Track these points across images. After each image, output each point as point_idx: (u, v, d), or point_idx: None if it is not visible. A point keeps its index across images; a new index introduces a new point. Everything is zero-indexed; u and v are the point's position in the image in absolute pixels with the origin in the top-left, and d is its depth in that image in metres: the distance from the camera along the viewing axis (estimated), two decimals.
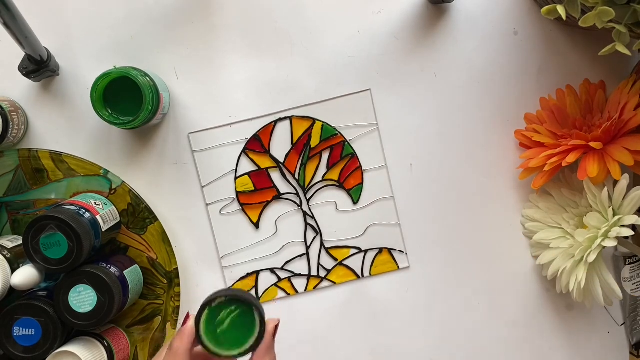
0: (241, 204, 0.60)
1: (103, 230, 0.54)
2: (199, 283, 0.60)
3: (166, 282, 0.59)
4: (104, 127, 0.59)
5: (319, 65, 0.59)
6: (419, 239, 0.60)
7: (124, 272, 0.55)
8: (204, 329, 0.42)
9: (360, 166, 0.60)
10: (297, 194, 0.60)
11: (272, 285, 0.60)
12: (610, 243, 0.50)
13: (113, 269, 0.54)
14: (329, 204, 0.60)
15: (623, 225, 0.50)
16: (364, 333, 0.60)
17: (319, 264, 0.60)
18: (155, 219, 0.58)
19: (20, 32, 0.50)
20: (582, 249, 0.52)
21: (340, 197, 0.60)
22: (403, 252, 0.60)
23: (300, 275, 0.60)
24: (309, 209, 0.60)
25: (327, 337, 0.60)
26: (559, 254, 0.55)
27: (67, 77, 0.59)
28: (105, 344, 0.55)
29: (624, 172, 0.51)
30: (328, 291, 0.60)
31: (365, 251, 0.60)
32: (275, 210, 0.60)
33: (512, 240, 0.60)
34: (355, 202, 0.60)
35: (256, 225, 0.60)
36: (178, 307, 0.58)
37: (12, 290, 0.52)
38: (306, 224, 0.60)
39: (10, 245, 0.54)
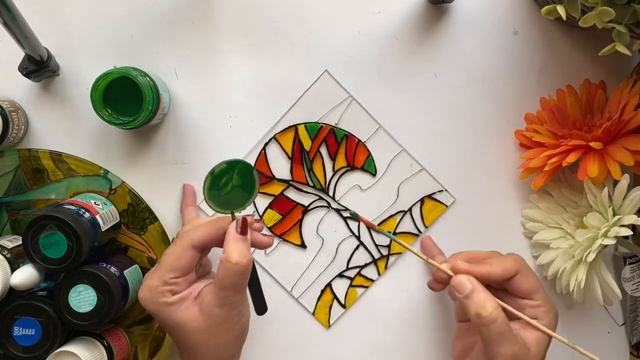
0: (280, 236, 0.60)
1: (103, 230, 0.54)
2: None
3: None
4: (104, 127, 0.59)
5: (319, 65, 0.59)
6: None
7: (124, 272, 0.55)
8: (208, 194, 0.47)
9: (359, 140, 0.59)
10: (321, 198, 0.60)
11: (349, 288, 0.60)
12: (609, 241, 0.50)
13: (113, 269, 0.54)
14: (352, 189, 0.60)
15: (623, 225, 0.50)
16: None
17: (376, 245, 0.60)
18: (155, 219, 0.58)
19: (20, 32, 0.50)
20: (582, 249, 0.52)
21: (358, 177, 0.60)
22: (442, 189, 0.59)
23: (366, 265, 0.60)
24: (338, 204, 0.60)
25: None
26: (559, 254, 0.55)
27: (67, 77, 0.59)
28: (105, 343, 0.55)
29: (624, 172, 0.51)
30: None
31: (410, 209, 0.60)
32: (311, 222, 0.60)
33: (512, 240, 0.60)
34: (374, 174, 0.60)
35: (302, 245, 0.60)
36: None
37: (12, 290, 0.52)
38: (343, 218, 0.60)
39: (10, 245, 0.54)
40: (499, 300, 0.48)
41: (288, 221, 0.60)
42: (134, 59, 0.59)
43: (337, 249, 0.60)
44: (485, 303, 0.47)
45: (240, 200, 0.48)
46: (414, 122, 0.59)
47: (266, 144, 0.59)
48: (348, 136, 0.59)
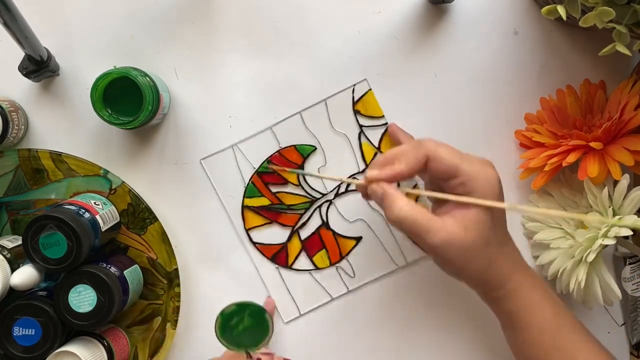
0: (344, 258, 0.60)
1: (103, 230, 0.54)
2: (199, 283, 0.60)
3: (166, 282, 0.59)
4: (104, 127, 0.59)
5: (319, 65, 0.59)
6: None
7: (124, 272, 0.55)
8: (220, 333, 0.48)
9: (276, 151, 0.59)
10: (320, 205, 0.60)
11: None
12: (609, 241, 0.50)
13: (113, 269, 0.54)
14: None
15: (623, 225, 0.50)
16: None
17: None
18: (155, 219, 0.58)
19: (20, 32, 0.51)
20: (582, 249, 0.52)
21: (311, 164, 0.59)
22: (351, 86, 0.59)
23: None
24: (317, 192, 0.60)
25: None
26: (559, 254, 0.55)
27: (67, 77, 0.59)
28: (105, 344, 0.55)
29: (624, 172, 0.51)
30: None
31: (360, 127, 0.59)
32: (341, 225, 0.60)
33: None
34: (314, 148, 0.59)
35: (358, 240, 0.60)
36: (178, 307, 0.58)
37: (12, 290, 0.52)
38: (345, 192, 0.59)
39: (10, 245, 0.54)
40: (420, 191, 0.51)
41: (331, 246, 0.60)
42: (134, 59, 0.59)
43: (375, 209, 0.60)
44: (392, 204, 0.47)
45: (253, 340, 0.48)
46: (413, 122, 0.59)
47: (250, 238, 0.60)
48: (269, 159, 0.59)
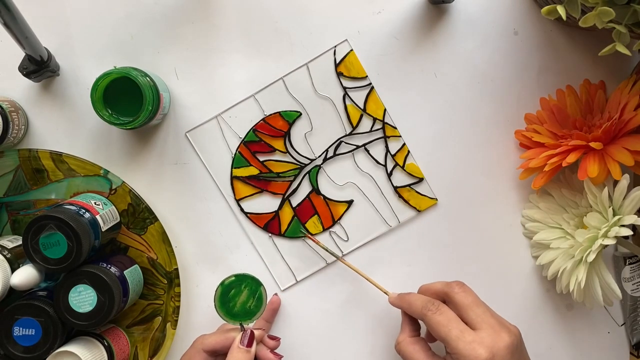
0: (336, 221, 0.60)
1: (103, 230, 0.54)
2: (199, 283, 0.60)
3: (166, 282, 0.59)
4: (104, 127, 0.59)
5: (319, 65, 0.59)
6: (419, 238, 0.60)
7: (124, 272, 0.55)
8: (219, 304, 0.51)
9: (261, 119, 0.59)
10: (309, 170, 0.59)
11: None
12: (609, 242, 0.50)
13: (113, 269, 0.54)
14: (308, 139, 0.59)
15: (623, 225, 0.50)
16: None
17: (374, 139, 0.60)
18: (155, 219, 0.58)
19: (20, 32, 0.51)
20: (582, 249, 0.52)
21: (298, 130, 0.59)
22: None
23: (392, 154, 0.60)
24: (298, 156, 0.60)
25: None
26: (559, 254, 0.55)
27: (67, 77, 0.59)
28: (105, 343, 0.55)
29: (624, 172, 0.51)
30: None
31: (345, 91, 0.60)
32: (331, 188, 0.60)
33: (512, 240, 0.60)
34: (299, 114, 0.59)
35: (350, 203, 0.59)
36: (178, 307, 0.58)
37: (12, 290, 0.52)
38: (334, 156, 0.59)
39: (10, 245, 0.54)
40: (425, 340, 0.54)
41: (322, 211, 0.60)
42: (134, 59, 0.59)
43: (364, 172, 0.60)
44: (401, 332, 0.54)
45: (248, 313, 0.51)
46: (413, 122, 0.59)
47: (241, 209, 0.60)
48: (254, 130, 0.59)
